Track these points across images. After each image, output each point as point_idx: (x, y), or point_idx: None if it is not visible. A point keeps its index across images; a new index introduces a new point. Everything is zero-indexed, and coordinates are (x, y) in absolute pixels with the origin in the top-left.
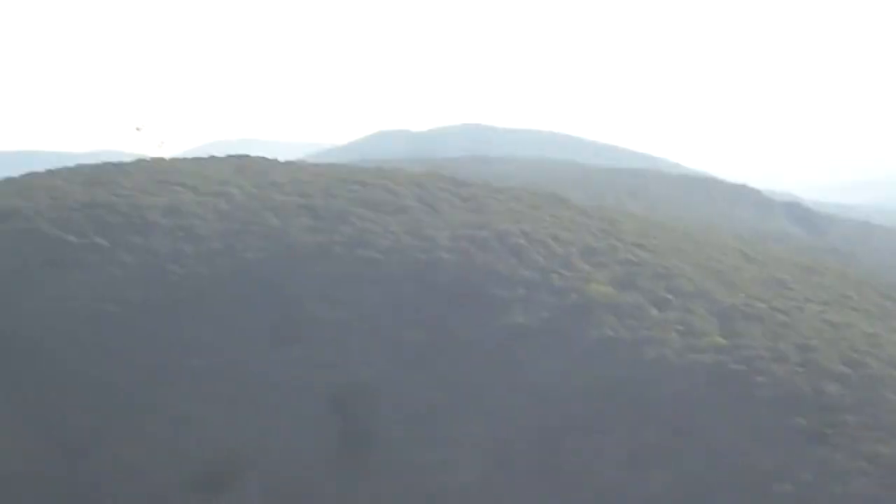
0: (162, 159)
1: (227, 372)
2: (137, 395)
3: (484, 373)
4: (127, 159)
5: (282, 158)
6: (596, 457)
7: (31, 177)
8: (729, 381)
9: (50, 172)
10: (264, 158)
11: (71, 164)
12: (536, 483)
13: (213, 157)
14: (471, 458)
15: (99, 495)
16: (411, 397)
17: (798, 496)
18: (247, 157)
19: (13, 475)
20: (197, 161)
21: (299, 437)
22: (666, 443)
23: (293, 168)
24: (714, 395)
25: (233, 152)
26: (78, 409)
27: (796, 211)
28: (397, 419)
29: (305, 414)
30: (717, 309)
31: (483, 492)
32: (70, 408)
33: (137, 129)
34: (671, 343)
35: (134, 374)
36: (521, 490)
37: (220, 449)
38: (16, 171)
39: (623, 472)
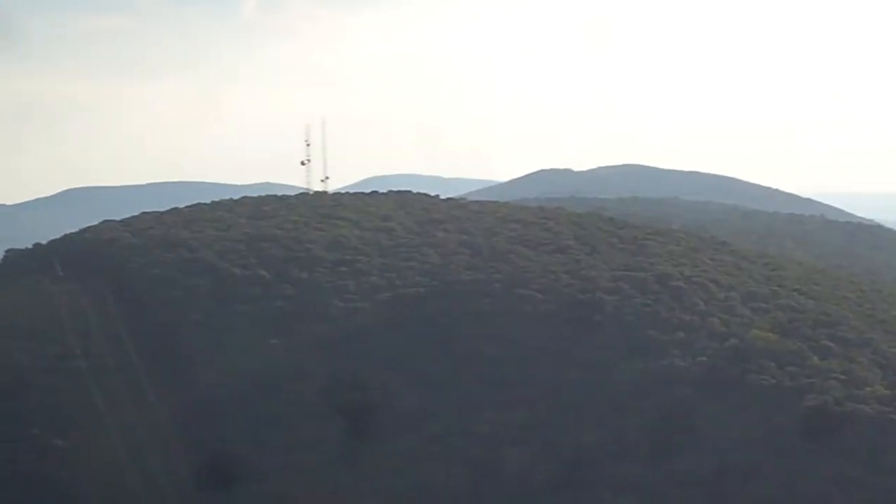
0: (325, 193)
1: (382, 405)
2: (301, 427)
3: (640, 416)
4: (290, 192)
5: (443, 195)
6: None
7: (196, 208)
8: (891, 432)
9: (215, 204)
10: (426, 195)
11: (235, 196)
12: None
13: (375, 193)
14: (623, 501)
15: None
16: (567, 437)
17: None
18: (409, 192)
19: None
20: (359, 196)
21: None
22: (826, 493)
23: (454, 205)
24: (876, 445)
25: (394, 188)
26: (233, 437)
27: None
28: (553, 461)
29: (463, 454)
30: (879, 358)
31: None
32: (226, 437)
33: (303, 163)
34: (832, 391)
35: (296, 408)
36: None
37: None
38: (181, 202)
39: None
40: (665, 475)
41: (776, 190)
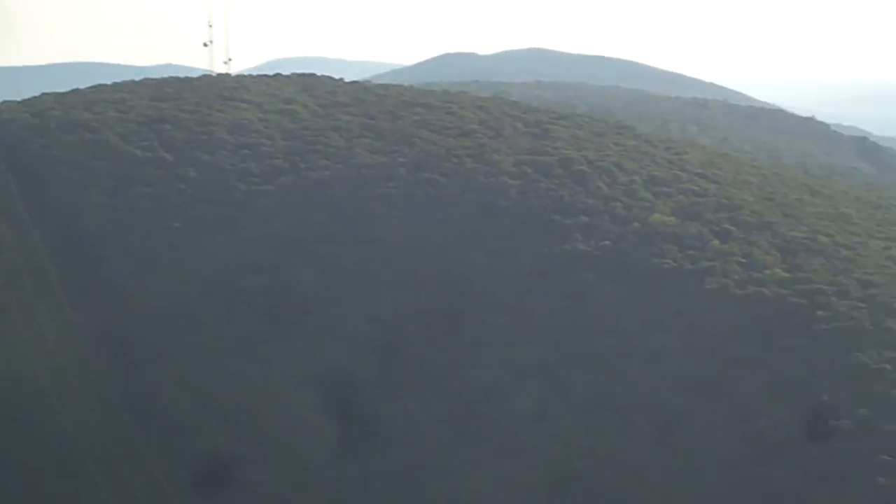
0: (228, 75)
1: (289, 289)
2: (200, 311)
3: (543, 298)
4: (193, 74)
5: (347, 78)
6: (654, 386)
7: (97, 89)
8: (789, 314)
9: (116, 85)
10: (330, 78)
11: (137, 77)
12: (593, 411)
13: (278, 75)
14: (528, 383)
15: (156, 407)
16: (471, 319)
17: (856, 432)
18: (313, 75)
19: (75, 377)
20: (263, 79)
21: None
22: (724, 373)
23: (358, 88)
24: (774, 327)
25: (298, 70)
26: (139, 321)
27: (864, 146)
28: (457, 343)
29: (365, 336)
30: (780, 241)
31: (539, 418)
32: (131, 321)
33: (205, 44)
34: (732, 274)
35: (196, 290)
36: (578, 417)
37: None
38: (82, 83)
39: (680, 401)
40: (567, 357)
41: (679, 75)
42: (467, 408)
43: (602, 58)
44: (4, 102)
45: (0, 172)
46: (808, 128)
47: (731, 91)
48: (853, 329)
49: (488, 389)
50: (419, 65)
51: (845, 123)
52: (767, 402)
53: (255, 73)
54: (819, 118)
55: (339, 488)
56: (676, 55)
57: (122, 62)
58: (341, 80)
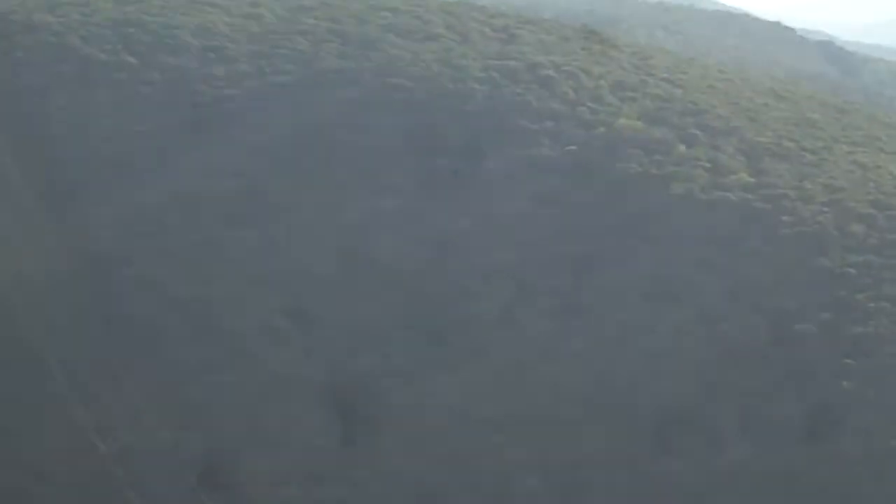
0: None
1: (253, 195)
2: (165, 216)
3: (508, 202)
4: None
5: None
6: (619, 290)
7: None
8: (754, 219)
9: None
10: None
11: None
12: (558, 315)
13: None
14: (493, 288)
15: (122, 307)
16: (435, 223)
17: (819, 336)
18: None
19: (39, 282)
20: None
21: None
22: (689, 277)
23: None
24: (739, 232)
25: None
26: (104, 226)
27: (830, 50)
28: (422, 243)
29: (332, 240)
30: (745, 147)
31: (504, 322)
32: (96, 225)
33: None
34: (698, 179)
35: (160, 196)
36: (543, 322)
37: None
38: None
39: (645, 305)
40: (534, 261)
41: None
42: (433, 312)
43: None
44: None
45: None
46: (775, 32)
47: None
48: (817, 233)
49: (454, 293)
50: None
51: (811, 28)
52: (732, 307)
53: None
54: (786, 23)
55: (304, 390)
56: None
57: None
58: None
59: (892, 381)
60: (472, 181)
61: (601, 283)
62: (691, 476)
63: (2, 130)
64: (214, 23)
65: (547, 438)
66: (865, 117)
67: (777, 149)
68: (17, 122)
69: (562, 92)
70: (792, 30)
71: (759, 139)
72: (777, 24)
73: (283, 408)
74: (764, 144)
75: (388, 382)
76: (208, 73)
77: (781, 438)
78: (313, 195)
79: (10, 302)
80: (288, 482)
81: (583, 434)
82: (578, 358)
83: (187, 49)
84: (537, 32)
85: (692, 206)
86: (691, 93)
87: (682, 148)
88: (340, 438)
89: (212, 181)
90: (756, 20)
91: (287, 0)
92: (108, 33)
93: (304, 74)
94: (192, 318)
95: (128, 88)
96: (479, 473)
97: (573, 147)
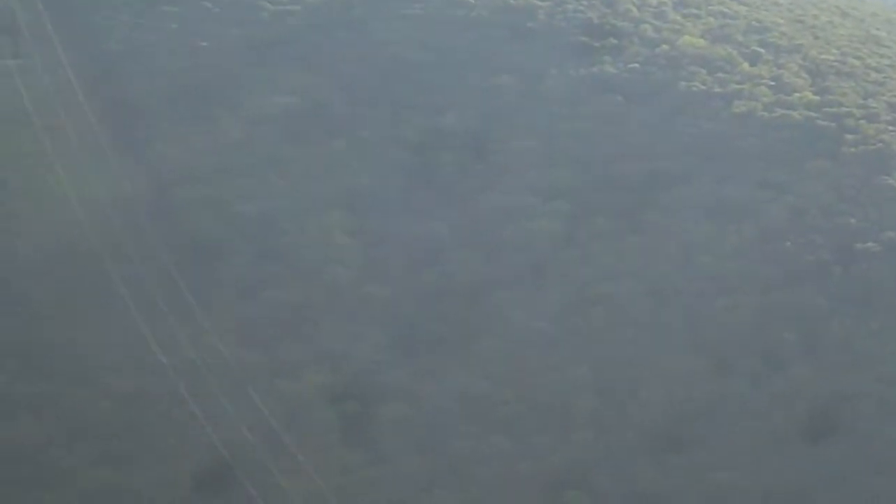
0: None
1: (316, 111)
2: (228, 133)
3: (570, 122)
4: None
5: None
6: (681, 209)
7: None
8: (817, 138)
9: None
10: None
11: None
12: (619, 234)
13: None
14: (552, 207)
15: (185, 224)
16: (499, 143)
17: (882, 254)
18: None
19: (105, 202)
20: None
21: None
22: (751, 196)
23: None
24: (802, 150)
25: None
26: (168, 144)
27: None
28: (481, 164)
29: (393, 158)
30: (809, 65)
31: (564, 241)
32: (159, 141)
33: None
34: (761, 97)
35: (223, 112)
36: (603, 241)
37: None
38: None
39: (707, 224)
40: (595, 181)
41: None
42: (492, 230)
43: None
44: None
45: None
46: None
47: None
48: (881, 152)
49: (514, 212)
50: None
51: None
52: (794, 226)
53: None
54: None
55: (365, 307)
56: None
57: None
58: None
59: None
60: (532, 100)
61: (663, 202)
62: (751, 396)
63: (65, 48)
64: None
65: (605, 356)
66: None
67: (841, 66)
68: (80, 39)
69: (625, 9)
70: None
71: (824, 57)
72: None
73: (344, 325)
74: (828, 62)
75: (449, 300)
76: None
77: (842, 359)
78: (376, 112)
79: (76, 220)
80: (346, 398)
81: (642, 353)
82: (638, 277)
83: None
84: None
85: (755, 125)
86: (755, 10)
87: (746, 66)
88: (402, 354)
89: (274, 98)
90: None
91: None
92: None
93: None
94: (254, 236)
95: (191, 4)
96: (538, 390)
97: (636, 65)
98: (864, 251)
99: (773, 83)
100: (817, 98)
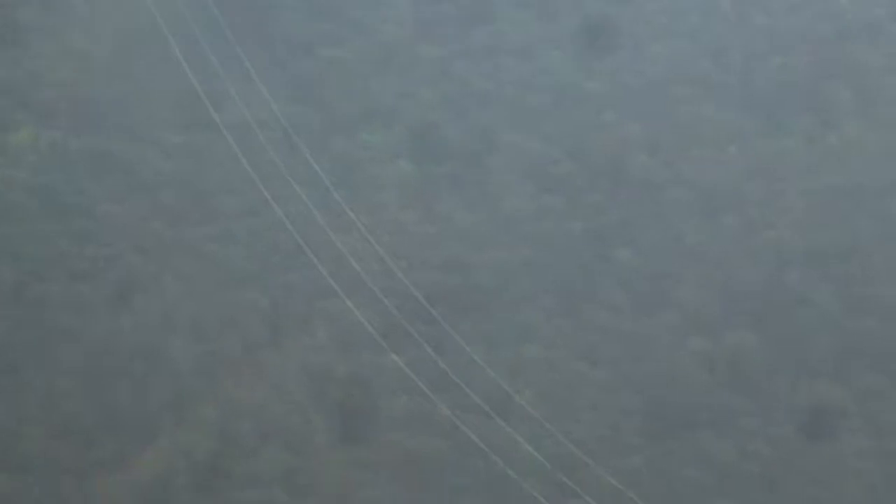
0: None
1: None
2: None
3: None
4: None
5: None
6: None
7: None
8: None
9: None
10: None
11: None
12: None
13: None
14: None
15: None
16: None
17: None
18: None
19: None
20: None
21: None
22: None
23: None
24: None
25: None
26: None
27: None
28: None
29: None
30: None
31: None
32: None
33: None
34: None
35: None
36: None
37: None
38: None
39: None
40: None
41: None
42: None
43: None
44: None
45: None
46: None
47: None
48: None
49: None
50: None
51: None
52: None
53: None
54: None
55: (417, 66)
56: None
57: None
58: None
59: None
60: None
61: None
62: (803, 152)
63: None
64: None
65: (657, 112)
66: None
67: None
68: None
69: None
70: None
71: None
72: None
73: (397, 82)
74: None
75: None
76: None
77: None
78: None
79: None
80: (400, 157)
81: (695, 111)
82: (693, 36)
83: None
84: None
85: None
86: None
87: None
88: (455, 113)
89: None
90: None
91: None
92: None
93: None
94: None
95: None
96: (590, 149)
97: None
98: None
99: None
100: None
